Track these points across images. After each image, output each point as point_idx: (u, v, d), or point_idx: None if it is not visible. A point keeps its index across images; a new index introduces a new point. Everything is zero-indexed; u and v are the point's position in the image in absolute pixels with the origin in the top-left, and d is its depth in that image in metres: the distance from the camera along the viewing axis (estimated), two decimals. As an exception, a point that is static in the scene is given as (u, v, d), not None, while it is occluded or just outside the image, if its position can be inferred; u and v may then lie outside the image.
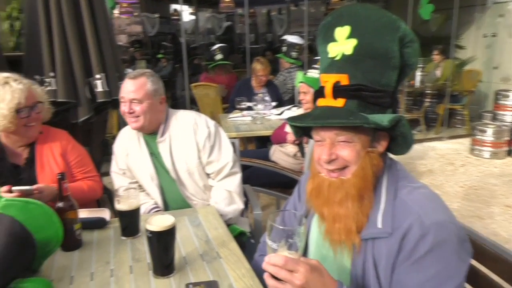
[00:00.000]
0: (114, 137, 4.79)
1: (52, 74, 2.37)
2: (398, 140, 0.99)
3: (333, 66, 0.99)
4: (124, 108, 1.75)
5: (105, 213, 1.57)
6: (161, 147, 1.82)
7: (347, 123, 0.93)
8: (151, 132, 1.83)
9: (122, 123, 4.31)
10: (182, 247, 1.38)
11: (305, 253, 1.11)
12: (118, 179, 1.93)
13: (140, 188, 1.90)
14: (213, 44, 6.06)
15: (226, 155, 1.85)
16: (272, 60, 5.70)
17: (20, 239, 1.10)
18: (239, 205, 1.83)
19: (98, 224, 1.51)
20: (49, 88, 2.35)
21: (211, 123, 1.88)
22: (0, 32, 5.85)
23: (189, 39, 10.21)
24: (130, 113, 1.74)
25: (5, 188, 1.51)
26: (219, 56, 4.99)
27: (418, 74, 5.83)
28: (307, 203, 1.07)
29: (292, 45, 4.47)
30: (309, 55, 5.64)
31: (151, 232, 1.15)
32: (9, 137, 1.70)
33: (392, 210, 0.95)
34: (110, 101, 2.53)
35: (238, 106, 3.71)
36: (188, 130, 1.82)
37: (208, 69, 5.38)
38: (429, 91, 6.14)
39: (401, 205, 0.95)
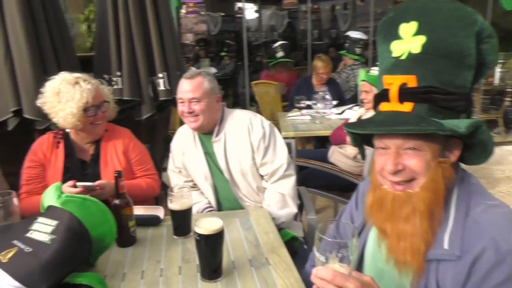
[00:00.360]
0: (176, 134, 4.94)
1: (118, 73, 2.49)
2: (475, 148, 0.88)
3: (398, 66, 0.89)
4: (183, 108, 1.76)
5: (160, 211, 1.60)
6: (216, 147, 1.82)
7: (419, 130, 0.83)
8: (207, 132, 1.84)
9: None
10: (232, 250, 1.36)
11: (360, 265, 1.03)
12: (174, 177, 1.96)
13: (195, 187, 1.92)
14: (275, 41, 6.03)
15: (280, 157, 1.81)
16: (335, 57, 5.54)
17: (77, 234, 1.14)
18: (292, 209, 1.78)
19: (152, 221, 1.55)
20: (115, 87, 2.46)
21: (266, 123, 1.85)
22: (78, 34, 6.31)
23: (252, 36, 10.29)
24: (190, 112, 1.74)
25: (70, 183, 1.60)
26: (280, 54, 4.95)
27: (498, 71, 5.33)
28: (367, 216, 0.99)
29: (355, 41, 4.30)
30: (374, 51, 5.39)
31: (199, 235, 1.14)
32: (78, 134, 1.80)
33: (462, 230, 0.84)
34: (172, 99, 2.60)
35: (297, 105, 3.64)
36: (243, 130, 1.80)
37: (269, 66, 5.36)
38: (510, 89, 5.57)
39: (473, 225, 0.84)
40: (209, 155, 1.85)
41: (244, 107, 6.21)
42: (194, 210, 1.78)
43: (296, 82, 4.37)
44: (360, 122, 0.96)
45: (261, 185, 1.84)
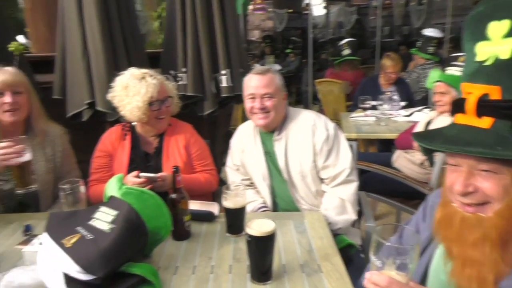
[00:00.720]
0: (238, 130, 5.00)
1: (184, 69, 2.56)
2: None
3: (480, 73, 0.78)
4: (253, 104, 1.73)
5: (215, 208, 1.62)
6: (276, 146, 1.79)
7: (494, 155, 0.72)
8: (270, 130, 1.81)
9: (245, 117, 4.49)
10: (283, 253, 1.33)
11: (422, 282, 0.95)
12: (231, 174, 1.97)
13: (252, 185, 1.91)
14: (342, 38, 5.86)
15: (343, 161, 1.73)
16: (405, 56, 5.25)
17: (134, 225, 1.18)
18: (351, 215, 1.70)
19: (207, 217, 1.57)
20: (180, 82, 2.54)
21: (331, 125, 1.78)
22: (151, 31, 6.64)
23: (318, 33, 10.11)
24: (262, 108, 1.71)
25: (134, 173, 1.68)
26: (346, 51, 4.80)
27: None
28: (434, 231, 0.91)
29: (429, 39, 4.03)
30: (451, 49, 5.03)
31: (250, 236, 1.13)
32: (143, 127, 1.88)
33: None
34: (234, 96, 2.62)
35: (362, 105, 3.49)
36: (306, 131, 1.75)
37: (334, 64, 5.22)
38: None
39: None
40: (269, 155, 1.82)
41: (306, 105, 6.12)
42: (248, 209, 1.78)
43: (362, 81, 4.20)
44: (428, 133, 0.86)
45: (320, 189, 1.78)
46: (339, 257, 1.30)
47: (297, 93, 7.40)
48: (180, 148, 1.88)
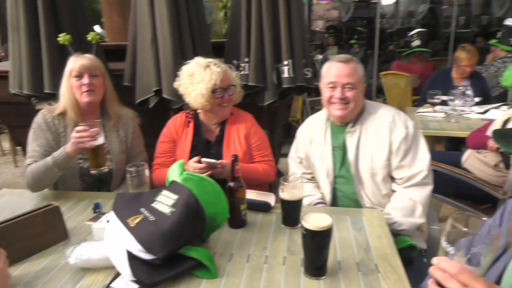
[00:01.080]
0: (297, 121, 5.00)
1: (246, 59, 2.57)
2: None
3: None
4: (333, 93, 1.66)
5: (271, 198, 1.62)
6: (348, 138, 1.71)
7: None
8: (344, 123, 1.73)
9: (305, 109, 4.43)
10: (339, 250, 1.30)
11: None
12: (293, 166, 1.94)
13: (312, 179, 1.88)
14: (412, 29, 5.54)
15: (421, 162, 1.63)
16: (483, 48, 4.85)
17: (193, 210, 1.22)
18: (419, 219, 1.61)
19: (263, 207, 1.57)
20: (242, 72, 2.56)
21: (411, 123, 1.68)
22: (216, 20, 6.77)
23: (385, 23, 9.67)
24: (342, 98, 1.64)
25: (195, 158, 1.73)
26: (416, 43, 4.54)
27: None
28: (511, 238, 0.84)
29: (511, 30, 3.67)
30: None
31: (306, 229, 1.12)
32: (206, 115, 1.93)
33: None
34: (294, 87, 2.60)
35: (431, 100, 3.28)
36: (383, 127, 1.67)
37: (401, 56, 4.97)
38: None
39: None
40: (338, 149, 1.75)
41: (369, 98, 5.90)
42: (305, 203, 1.77)
43: (432, 74, 3.95)
44: (509, 132, 0.79)
45: (390, 189, 1.69)
46: (399, 258, 1.25)
47: (360, 85, 7.16)
48: (241, 137, 1.90)
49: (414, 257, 1.60)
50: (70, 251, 1.20)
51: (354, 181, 1.70)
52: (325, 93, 1.70)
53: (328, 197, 1.79)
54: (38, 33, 2.39)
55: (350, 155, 1.70)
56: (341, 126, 1.75)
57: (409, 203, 1.61)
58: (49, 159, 1.66)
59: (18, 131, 3.16)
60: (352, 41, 7.93)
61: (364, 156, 1.68)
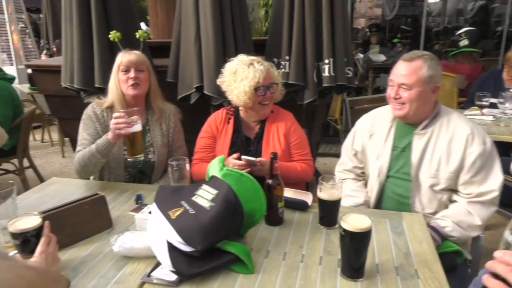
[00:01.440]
0: (335, 121, 4.92)
1: (287, 57, 2.57)
2: None
3: None
4: (390, 92, 1.64)
5: (308, 197, 1.62)
6: (416, 140, 1.64)
7: None
8: (411, 123, 1.67)
9: (344, 108, 4.35)
10: (377, 252, 1.28)
11: None
12: (345, 157, 1.90)
13: (361, 176, 1.85)
14: (459, 27, 5.30)
15: (493, 181, 1.56)
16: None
17: (232, 206, 1.24)
18: (473, 233, 1.57)
19: (300, 206, 1.57)
20: (283, 70, 2.56)
21: (488, 139, 1.60)
22: (257, 18, 6.79)
23: (431, 22, 9.32)
24: (396, 98, 1.62)
25: (235, 155, 1.76)
26: (464, 42, 4.33)
27: None
28: None
29: None
30: None
31: (345, 230, 1.11)
32: (247, 112, 1.95)
33: None
34: (335, 86, 2.57)
35: (479, 102, 3.13)
36: (459, 138, 1.58)
37: (448, 56, 4.76)
38: None
39: None
40: (400, 148, 1.69)
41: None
42: (348, 203, 1.74)
43: (481, 75, 3.76)
44: None
45: (448, 199, 1.63)
46: (440, 265, 1.21)
47: (402, 85, 6.95)
48: (280, 135, 1.90)
49: (458, 264, 1.54)
50: (114, 239, 1.25)
51: (412, 184, 1.64)
52: (387, 90, 1.67)
53: (373, 198, 1.74)
54: (90, 30, 2.52)
55: (414, 158, 1.63)
56: (409, 126, 1.68)
57: (469, 217, 1.55)
58: (93, 146, 1.75)
59: (67, 123, 3.34)
60: (395, 40, 7.71)
61: (429, 161, 1.61)
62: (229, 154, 1.84)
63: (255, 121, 1.96)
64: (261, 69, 1.80)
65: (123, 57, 1.89)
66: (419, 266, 1.20)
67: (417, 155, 1.62)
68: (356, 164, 1.85)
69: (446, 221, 1.56)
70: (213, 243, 1.19)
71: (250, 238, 1.37)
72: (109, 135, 1.70)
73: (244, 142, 1.94)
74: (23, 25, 6.22)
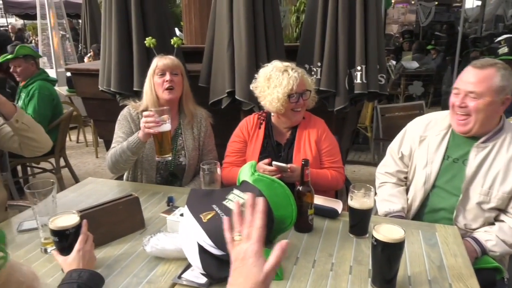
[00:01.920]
0: (365, 128, 4.84)
1: (319, 64, 2.56)
2: None
3: None
4: (454, 100, 1.54)
5: (338, 205, 1.60)
6: (474, 152, 1.55)
7: None
8: (470, 135, 1.57)
9: (375, 116, 4.28)
10: (409, 264, 1.25)
11: None
12: (389, 160, 1.84)
13: (403, 181, 1.80)
14: (497, 35, 5.12)
15: None
16: None
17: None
18: None
19: (330, 213, 1.56)
20: (314, 76, 2.55)
21: None
22: (288, 24, 6.79)
23: (468, 28, 9.05)
24: (461, 107, 1.51)
25: (266, 160, 1.76)
26: (503, 50, 4.18)
27: None
28: None
29: None
30: None
31: (377, 240, 1.09)
32: (279, 118, 1.95)
33: None
34: (366, 93, 2.53)
35: (519, 112, 3.02)
36: None
37: (485, 64, 4.61)
38: None
39: None
40: (453, 159, 1.61)
41: (446, 107, 5.55)
42: (383, 208, 1.71)
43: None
44: None
45: (493, 218, 1.56)
46: (476, 280, 1.17)
47: (434, 94, 6.76)
48: (312, 142, 1.89)
49: (497, 281, 1.48)
50: (147, 240, 1.29)
51: (459, 198, 1.56)
52: (451, 97, 1.57)
53: (415, 206, 1.68)
54: (128, 35, 2.61)
55: (469, 171, 1.54)
56: (469, 137, 1.59)
57: None
58: (125, 143, 1.80)
59: (102, 125, 3.46)
60: (429, 47, 7.52)
61: (483, 177, 1.52)
62: (260, 159, 1.85)
63: (287, 127, 1.95)
64: (295, 76, 1.79)
65: (159, 61, 1.94)
66: (453, 281, 1.16)
67: (472, 169, 1.53)
68: (401, 168, 1.79)
69: (491, 234, 1.50)
70: (243, 247, 1.19)
71: (279, 244, 1.36)
72: (140, 134, 1.74)
73: (275, 147, 1.95)
74: (63, 30, 6.50)
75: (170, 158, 1.77)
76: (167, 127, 1.67)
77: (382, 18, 2.83)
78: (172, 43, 2.43)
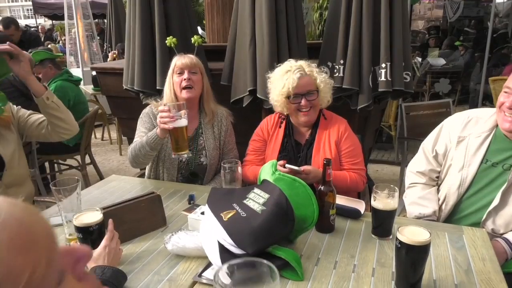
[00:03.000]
0: (389, 127, 4.74)
1: (342, 61, 2.52)
2: None
3: None
4: (504, 100, 1.47)
5: (361, 205, 1.57)
6: None
7: None
8: None
9: (400, 114, 4.19)
10: (435, 267, 1.21)
11: None
12: (421, 158, 1.75)
13: (435, 180, 1.72)
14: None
15: None
16: None
17: (283, 210, 1.23)
18: None
19: (352, 214, 1.53)
20: (336, 74, 2.51)
21: None
22: (310, 21, 6.71)
23: (498, 23, 8.74)
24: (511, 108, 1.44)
25: (281, 162, 1.74)
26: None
27: None
28: None
29: None
30: None
31: (401, 242, 1.06)
32: (293, 118, 1.92)
33: None
34: (391, 91, 2.48)
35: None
36: None
37: (517, 60, 4.44)
38: None
39: None
40: (490, 163, 1.55)
41: (474, 105, 5.38)
42: (413, 212, 1.66)
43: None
44: None
45: None
46: (506, 286, 1.12)
47: (462, 91, 6.56)
48: (332, 142, 1.86)
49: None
50: (168, 238, 1.30)
51: (494, 202, 1.50)
52: (500, 98, 1.50)
53: (448, 210, 1.62)
54: (151, 35, 2.63)
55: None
56: (510, 140, 1.52)
57: None
58: (144, 138, 1.81)
59: (125, 122, 3.51)
60: (457, 43, 7.30)
61: None
62: (279, 158, 1.83)
63: (304, 126, 1.93)
64: (293, 78, 1.76)
65: (178, 60, 1.96)
66: (482, 286, 1.12)
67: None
68: (434, 168, 1.71)
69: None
70: (264, 247, 1.19)
71: (300, 244, 1.35)
72: (158, 130, 1.73)
73: (295, 147, 1.92)
74: (89, 30, 6.65)
75: (187, 156, 1.72)
76: (183, 122, 1.63)
77: (408, 14, 2.76)
78: (192, 41, 2.44)
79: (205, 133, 2.02)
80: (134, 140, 1.93)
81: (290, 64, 1.84)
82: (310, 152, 1.88)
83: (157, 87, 2.66)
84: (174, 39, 2.39)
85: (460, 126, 1.63)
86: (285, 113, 1.92)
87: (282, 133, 1.95)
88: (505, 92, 1.47)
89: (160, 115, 1.65)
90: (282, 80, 1.80)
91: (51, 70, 3.49)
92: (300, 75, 1.78)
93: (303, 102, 1.80)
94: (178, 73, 1.94)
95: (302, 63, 1.84)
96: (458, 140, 1.62)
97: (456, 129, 1.64)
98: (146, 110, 2.02)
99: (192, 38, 2.48)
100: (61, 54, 5.77)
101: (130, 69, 2.77)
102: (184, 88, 1.92)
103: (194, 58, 1.99)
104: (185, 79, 1.91)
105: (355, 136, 1.91)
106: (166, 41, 2.42)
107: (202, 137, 2.02)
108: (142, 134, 1.92)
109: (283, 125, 1.96)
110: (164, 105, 1.71)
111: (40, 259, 0.40)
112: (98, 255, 1.13)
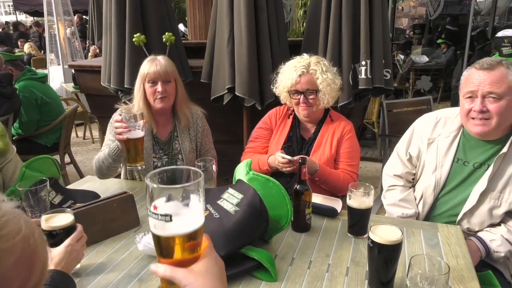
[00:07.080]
0: (372, 124, 4.76)
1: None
2: None
3: None
4: (471, 106, 1.43)
5: (338, 204, 1.56)
6: (497, 160, 1.45)
7: None
8: (488, 139, 1.49)
9: (382, 111, 4.22)
10: (408, 265, 1.21)
11: None
12: (396, 161, 1.74)
13: (411, 182, 1.73)
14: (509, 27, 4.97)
15: None
16: None
17: (257, 211, 1.21)
18: None
19: (328, 212, 1.52)
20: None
21: None
22: (295, 19, 6.70)
23: (480, 21, 8.88)
24: (481, 112, 1.40)
25: (279, 152, 1.74)
26: (508, 50, 4.05)
27: None
28: None
29: None
30: None
31: (373, 242, 1.05)
32: (297, 112, 1.94)
33: None
34: (371, 89, 2.48)
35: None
36: None
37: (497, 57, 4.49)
38: None
39: None
40: (462, 161, 1.54)
41: (455, 103, 5.45)
42: (396, 213, 1.66)
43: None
44: None
45: (497, 221, 1.50)
46: (478, 283, 1.13)
47: (444, 88, 6.64)
48: (333, 140, 1.86)
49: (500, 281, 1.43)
50: (140, 238, 1.27)
51: (469, 201, 1.49)
52: (464, 105, 1.46)
53: (426, 210, 1.62)
54: (125, 32, 2.57)
55: (486, 175, 1.46)
56: (484, 141, 1.51)
57: None
58: (107, 150, 1.75)
59: (105, 121, 3.41)
60: (439, 41, 7.38)
61: (496, 181, 1.46)
62: (283, 149, 1.87)
63: (310, 122, 1.94)
64: (297, 74, 1.80)
65: (150, 68, 1.81)
66: (454, 283, 1.12)
67: (488, 174, 1.46)
68: (409, 170, 1.71)
69: (495, 234, 1.46)
70: (237, 248, 1.17)
71: (275, 244, 1.34)
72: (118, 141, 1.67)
73: (300, 141, 1.93)
74: (70, 27, 6.51)
75: (140, 168, 1.65)
76: (138, 133, 1.58)
77: (387, 12, 2.76)
78: (164, 40, 2.35)
79: (181, 136, 1.95)
80: (102, 149, 1.86)
81: (299, 60, 1.86)
82: (311, 147, 1.89)
83: (125, 86, 2.59)
84: (142, 37, 2.29)
85: (429, 128, 1.64)
86: (289, 106, 1.96)
87: (289, 125, 1.96)
88: (469, 97, 1.44)
89: (115, 125, 1.61)
90: (287, 74, 1.84)
91: (13, 72, 3.32)
92: (302, 72, 1.81)
93: (301, 99, 1.84)
94: (151, 83, 1.82)
95: (312, 59, 1.85)
96: (428, 142, 1.62)
97: (426, 131, 1.64)
98: (114, 115, 1.92)
99: (163, 36, 2.40)
100: (21, 54, 5.58)
101: (107, 67, 2.72)
102: (158, 98, 1.83)
103: (167, 65, 1.84)
104: (159, 91, 1.81)
105: (357, 141, 1.92)
106: (134, 39, 2.35)
107: (177, 141, 1.95)
108: (109, 142, 1.85)
109: (291, 118, 1.97)
110: (120, 114, 1.68)
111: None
112: (58, 254, 1.07)
